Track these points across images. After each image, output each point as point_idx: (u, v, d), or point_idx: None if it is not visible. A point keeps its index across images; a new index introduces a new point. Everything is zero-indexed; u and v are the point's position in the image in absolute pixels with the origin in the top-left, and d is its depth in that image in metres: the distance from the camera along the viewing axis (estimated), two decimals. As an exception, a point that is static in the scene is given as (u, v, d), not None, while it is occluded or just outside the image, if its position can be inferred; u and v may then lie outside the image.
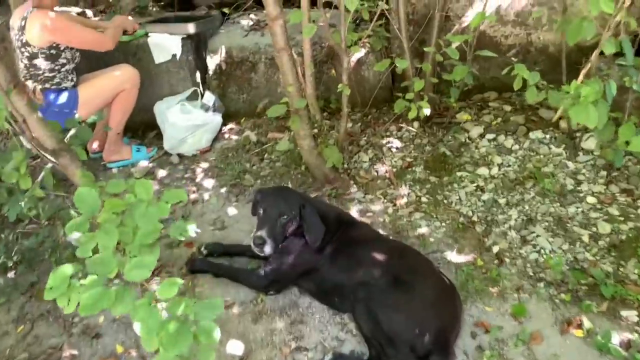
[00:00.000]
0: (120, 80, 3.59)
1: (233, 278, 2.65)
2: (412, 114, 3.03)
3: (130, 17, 3.98)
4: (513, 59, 2.95)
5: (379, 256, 2.31)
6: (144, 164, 3.73)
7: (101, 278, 1.60)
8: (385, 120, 3.76)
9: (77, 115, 3.48)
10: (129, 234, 1.86)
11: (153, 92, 4.04)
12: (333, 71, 3.93)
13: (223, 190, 3.37)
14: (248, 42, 3.97)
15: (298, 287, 2.56)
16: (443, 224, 2.84)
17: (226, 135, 3.95)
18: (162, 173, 3.62)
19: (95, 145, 3.89)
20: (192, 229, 1.95)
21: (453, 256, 2.62)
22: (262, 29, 4.22)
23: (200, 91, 4.05)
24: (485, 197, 2.93)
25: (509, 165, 3.11)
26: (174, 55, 3.89)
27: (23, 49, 3.32)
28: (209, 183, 3.45)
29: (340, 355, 2.19)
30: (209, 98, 3.90)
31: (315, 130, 3.49)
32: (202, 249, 2.84)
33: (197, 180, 3.51)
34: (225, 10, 4.90)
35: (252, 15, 4.49)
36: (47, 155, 2.31)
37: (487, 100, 3.78)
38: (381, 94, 3.96)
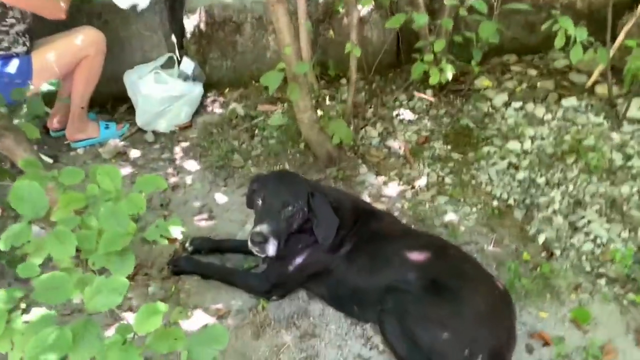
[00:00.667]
0: (82, 44, 3.02)
1: (226, 280, 2.18)
2: (433, 79, 2.55)
3: None
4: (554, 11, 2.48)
5: (411, 254, 1.86)
6: (114, 142, 3.20)
7: (50, 316, 1.12)
8: (393, 89, 3.28)
9: (31, 87, 2.92)
10: (91, 238, 1.38)
11: (123, 60, 3.48)
12: (331, 32, 3.42)
13: (208, 173, 2.87)
14: None
15: (307, 290, 2.11)
16: (474, 209, 2.40)
17: (209, 108, 3.42)
18: (135, 153, 3.10)
19: (55, 121, 3.33)
20: (176, 230, 1.48)
21: (491, 249, 2.19)
22: (246, -15, 3.68)
23: (177, 57, 3.51)
24: (520, 175, 2.50)
25: (543, 138, 2.67)
26: (141, 25, 3.30)
27: (-37, 6, 2.74)
28: (192, 165, 2.95)
29: (367, 380, 1.76)
30: (188, 65, 3.36)
31: (313, 102, 2.99)
32: (188, 244, 2.36)
33: (177, 161, 3.01)
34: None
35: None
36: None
37: (507, 64, 3.32)
38: (386, 58, 3.47)
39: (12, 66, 2.89)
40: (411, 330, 1.67)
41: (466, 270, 1.80)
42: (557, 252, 2.13)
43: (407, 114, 3.02)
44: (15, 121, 2.37)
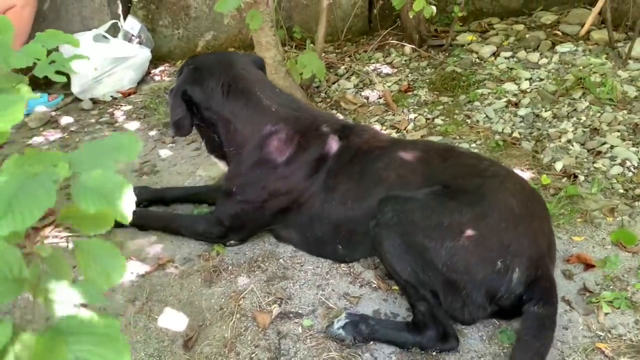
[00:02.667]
0: (6, -7, 2.59)
1: (170, 229, 1.69)
2: (417, 6, 2.19)
3: None
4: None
5: (409, 163, 1.42)
6: (42, 109, 2.71)
7: None
8: (367, 51, 2.93)
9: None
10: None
11: (59, 28, 2.95)
12: None
13: (153, 132, 2.41)
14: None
15: (274, 235, 1.64)
16: (473, 144, 2.01)
17: (157, 78, 2.99)
18: (67, 120, 2.62)
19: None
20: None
21: (501, 177, 1.78)
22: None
23: (122, 25, 3.10)
24: (522, 112, 2.14)
25: (542, 79, 2.35)
26: None
27: None
28: (134, 126, 2.49)
29: (361, 318, 1.28)
30: (133, 24, 2.94)
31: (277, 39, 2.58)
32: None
33: (118, 124, 2.54)
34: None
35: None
36: None
37: (490, 24, 3.03)
38: (357, 24, 3.15)
39: None
40: (420, 244, 1.21)
41: (486, 168, 1.36)
42: (581, 177, 1.74)
43: (385, 69, 2.66)
44: None
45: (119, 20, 3.07)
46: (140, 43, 2.95)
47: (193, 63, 1.58)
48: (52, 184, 0.53)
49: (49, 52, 0.97)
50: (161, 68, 3.10)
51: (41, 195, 0.52)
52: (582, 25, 2.69)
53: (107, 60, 2.76)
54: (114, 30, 3.03)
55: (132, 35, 2.92)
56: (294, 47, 3.06)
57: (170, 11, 3.11)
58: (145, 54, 2.91)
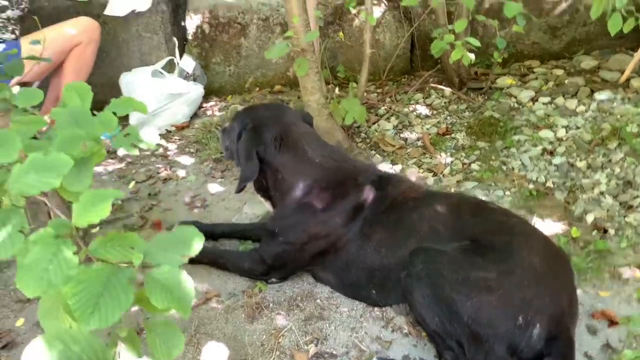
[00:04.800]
0: (74, 31, 2.84)
1: (217, 263, 1.83)
2: (455, 55, 2.30)
3: None
4: None
5: (442, 216, 1.52)
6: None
7: None
8: (407, 91, 3.04)
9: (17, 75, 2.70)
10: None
11: (120, 63, 3.28)
12: (341, 34, 3.23)
13: (204, 166, 2.58)
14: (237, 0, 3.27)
15: (312, 275, 1.76)
16: (507, 192, 2.08)
17: (208, 112, 3.18)
18: (124, 151, 2.81)
19: (46, 119, 3.08)
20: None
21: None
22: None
23: (178, 62, 3.31)
24: (557, 160, 2.20)
25: (578, 127, 2.40)
26: (133, 12, 3.12)
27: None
28: (186, 159, 2.66)
29: (390, 363, 1.38)
30: (188, 63, 3.15)
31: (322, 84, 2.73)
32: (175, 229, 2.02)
33: (171, 157, 2.72)
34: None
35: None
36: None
37: (530, 67, 3.10)
38: (398, 64, 3.27)
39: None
40: (447, 297, 1.31)
41: (513, 225, 1.45)
42: (612, 231, 1.79)
43: (424, 110, 2.76)
44: None
45: (175, 57, 3.29)
46: (194, 80, 3.15)
47: (252, 122, 1.72)
48: (129, 287, 0.66)
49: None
50: (212, 102, 3.29)
51: (121, 297, 0.65)
52: (623, 72, 2.74)
53: (163, 95, 2.96)
54: (170, 67, 3.25)
55: (187, 73, 3.12)
56: (337, 85, 3.20)
57: (222, 50, 3.31)
58: (198, 90, 3.11)
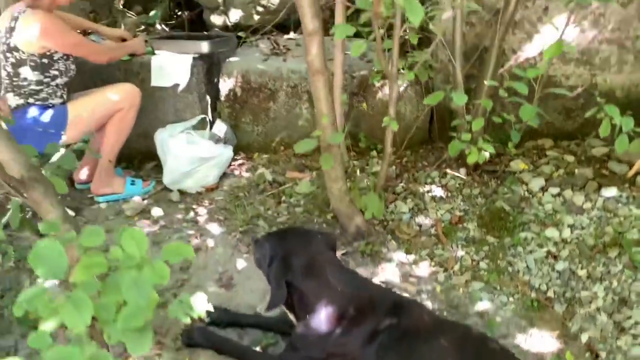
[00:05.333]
0: (117, 98, 3.05)
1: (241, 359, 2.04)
2: (471, 159, 2.48)
3: (144, 40, 3.47)
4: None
5: (447, 350, 1.71)
6: (138, 199, 3.15)
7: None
8: (424, 165, 3.22)
9: (63, 137, 2.93)
10: (110, 308, 1.28)
11: (155, 118, 3.50)
12: (364, 104, 3.42)
13: (232, 237, 2.78)
14: (268, 67, 3.46)
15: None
16: (511, 299, 2.26)
17: (236, 172, 3.39)
18: (158, 212, 3.03)
19: (83, 174, 3.31)
20: (201, 305, 1.39)
21: (530, 344, 2.03)
22: (285, 53, 3.74)
23: (210, 119, 3.52)
24: (559, 266, 2.36)
25: (583, 228, 2.55)
26: (177, 85, 3.38)
27: (9, 54, 2.79)
28: (215, 228, 2.87)
29: None
30: (220, 128, 3.36)
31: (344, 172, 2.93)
32: (204, 315, 2.23)
33: (201, 223, 2.93)
34: (241, 34, 4.46)
35: (272, 40, 4.00)
36: (11, 186, 1.73)
37: (543, 148, 3.26)
38: (418, 134, 3.44)
39: (47, 115, 2.91)
40: None
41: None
42: (603, 354, 1.96)
43: (439, 191, 2.94)
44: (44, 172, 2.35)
45: (207, 115, 3.50)
46: (225, 143, 3.35)
47: (283, 251, 1.91)
48: None
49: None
50: (240, 160, 3.49)
51: None
52: (631, 166, 2.88)
53: (196, 159, 3.16)
54: (202, 124, 3.47)
55: (219, 137, 3.33)
56: (358, 152, 3.39)
57: (252, 111, 3.51)
58: (228, 153, 3.31)
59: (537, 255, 2.43)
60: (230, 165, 3.41)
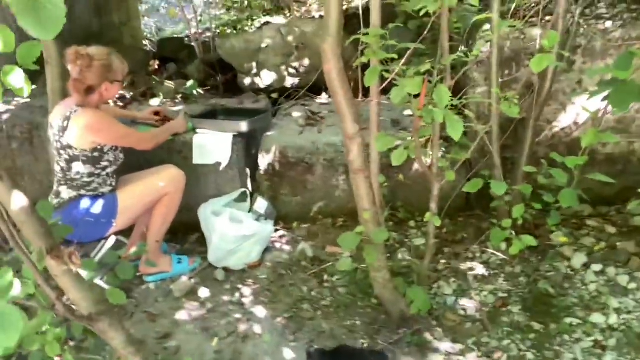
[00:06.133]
0: (163, 183, 3.18)
1: None
2: (514, 250, 2.52)
3: (184, 118, 3.61)
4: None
5: None
6: (185, 279, 3.26)
7: None
8: (465, 237, 3.26)
9: (114, 225, 3.06)
10: None
11: (198, 192, 3.62)
12: (401, 176, 3.47)
13: (277, 323, 2.86)
14: (305, 141, 3.55)
15: None
16: (559, 398, 2.28)
17: (277, 244, 3.47)
18: (205, 293, 3.13)
19: (131, 252, 3.44)
20: None
21: None
22: (319, 122, 3.83)
23: (249, 192, 3.63)
24: (607, 358, 2.37)
25: (629, 312, 2.56)
26: (218, 163, 3.50)
27: (62, 152, 2.94)
28: (261, 312, 2.94)
29: None
30: (261, 205, 3.46)
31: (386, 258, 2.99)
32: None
33: (247, 305, 3.01)
34: (274, 95, 4.57)
35: (306, 107, 4.10)
36: (79, 321, 1.84)
37: (582, 215, 3.26)
38: (456, 201, 3.47)
39: (98, 206, 3.04)
40: None
41: None
42: None
43: (481, 269, 2.97)
44: (101, 282, 2.48)
45: (247, 188, 3.61)
46: (265, 219, 3.45)
47: None
48: None
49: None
50: (281, 232, 3.58)
51: None
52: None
53: (239, 237, 3.26)
54: (243, 196, 3.57)
55: (260, 214, 3.42)
56: (397, 223, 3.44)
57: (290, 183, 3.60)
58: (269, 228, 3.40)
59: (584, 344, 2.44)
60: (271, 237, 3.49)
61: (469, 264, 3.01)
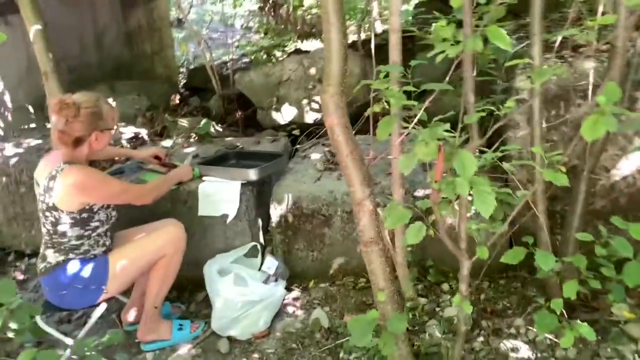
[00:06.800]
0: (161, 243, 2.84)
1: None
2: (566, 342, 2.01)
3: (190, 166, 3.29)
4: None
5: None
6: (185, 349, 2.89)
7: None
8: (507, 306, 2.76)
9: (104, 292, 2.74)
10: None
11: (205, 245, 3.28)
12: (431, 231, 3.00)
13: (284, 410, 2.45)
14: (321, 190, 3.14)
15: None
16: None
17: (289, 309, 3.06)
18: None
19: (131, 315, 3.11)
20: None
21: None
22: (339, 166, 3.42)
23: (260, 246, 3.25)
24: None
25: None
26: (225, 215, 3.15)
27: (48, 213, 2.65)
28: (266, 398, 2.54)
29: None
30: (271, 264, 3.07)
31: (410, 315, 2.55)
32: None
33: (251, 389, 2.62)
34: (295, 132, 4.21)
35: (325, 148, 3.71)
36: None
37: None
38: (495, 260, 2.98)
39: (87, 270, 2.72)
40: None
41: None
42: None
43: (525, 350, 2.47)
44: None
45: (258, 242, 3.23)
46: (276, 280, 3.05)
47: None
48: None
49: None
50: (295, 293, 3.17)
51: None
52: None
53: (245, 302, 2.88)
54: (253, 251, 3.20)
55: (270, 275, 3.03)
56: (427, 287, 2.98)
57: (305, 237, 3.20)
58: (280, 292, 3.00)
59: None
60: (283, 299, 3.09)
61: (511, 343, 2.51)
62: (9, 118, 4.98)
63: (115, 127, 2.79)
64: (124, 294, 3.12)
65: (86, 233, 2.70)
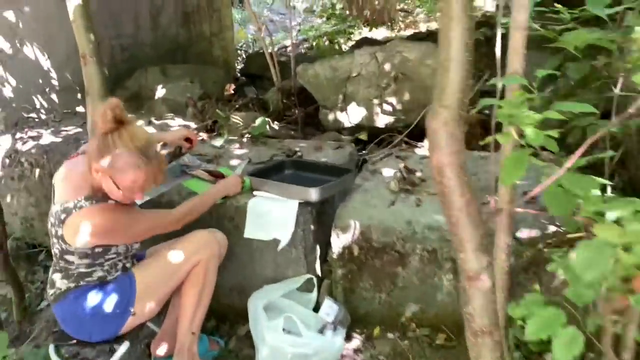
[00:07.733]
0: (193, 248, 2.38)
1: None
2: None
3: (239, 178, 2.75)
4: None
5: None
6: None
7: None
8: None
9: (132, 313, 2.25)
10: None
11: (252, 271, 2.76)
12: (536, 285, 2.37)
13: None
14: (396, 220, 2.53)
15: None
16: None
17: (350, 365, 2.50)
18: None
19: (162, 348, 2.60)
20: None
21: None
22: (418, 188, 2.80)
23: (317, 280, 2.70)
24: None
25: None
26: (277, 240, 2.60)
27: (55, 240, 2.18)
28: None
29: None
30: (330, 310, 2.50)
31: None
32: None
33: None
34: (362, 136, 3.61)
35: (401, 159, 3.09)
36: None
37: None
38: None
39: (110, 294, 2.25)
40: None
41: None
42: None
43: None
44: None
45: (315, 276, 2.68)
46: (334, 328, 2.49)
47: None
48: None
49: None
50: (356, 341, 2.60)
51: None
52: None
53: (295, 355, 2.34)
54: (308, 285, 2.66)
55: (328, 323, 2.47)
56: (525, 357, 2.35)
57: (373, 275, 2.61)
58: (339, 344, 2.44)
59: None
60: (341, 353, 2.53)
61: None
62: (55, 99, 4.60)
63: (134, 195, 2.18)
64: (155, 320, 2.63)
65: (97, 262, 2.22)
